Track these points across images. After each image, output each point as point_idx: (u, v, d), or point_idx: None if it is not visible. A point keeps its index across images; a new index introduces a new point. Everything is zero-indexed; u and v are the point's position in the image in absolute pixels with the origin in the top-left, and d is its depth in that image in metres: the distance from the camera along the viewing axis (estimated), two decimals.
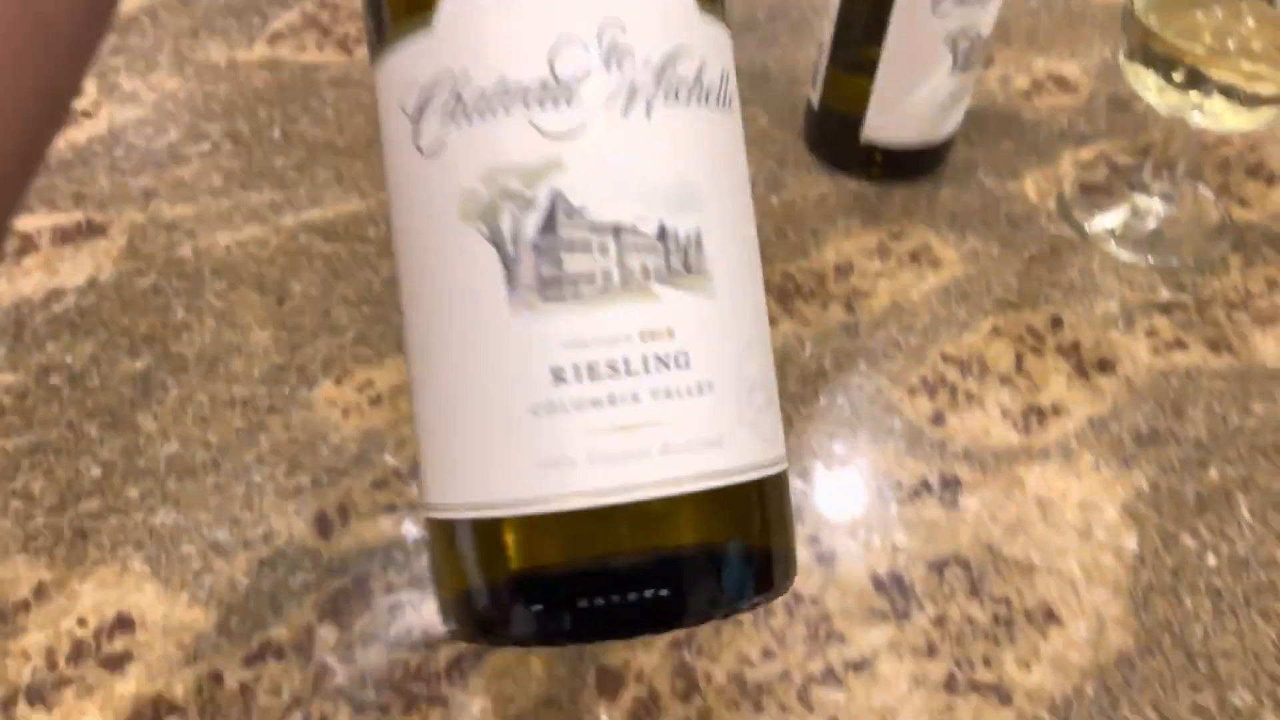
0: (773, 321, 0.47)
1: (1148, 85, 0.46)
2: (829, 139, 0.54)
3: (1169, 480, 0.42)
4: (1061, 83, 0.62)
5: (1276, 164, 0.57)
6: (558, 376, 0.20)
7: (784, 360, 0.45)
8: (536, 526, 0.20)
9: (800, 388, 0.44)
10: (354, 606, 0.36)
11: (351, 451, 0.40)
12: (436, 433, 0.21)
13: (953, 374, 0.45)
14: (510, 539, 0.21)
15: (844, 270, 0.49)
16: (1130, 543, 0.40)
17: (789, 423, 0.43)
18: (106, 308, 0.45)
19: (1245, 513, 0.41)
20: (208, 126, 0.54)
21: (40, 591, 0.35)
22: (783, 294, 0.48)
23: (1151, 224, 0.52)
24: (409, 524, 0.38)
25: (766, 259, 0.50)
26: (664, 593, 0.20)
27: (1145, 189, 0.53)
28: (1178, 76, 0.45)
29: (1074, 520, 0.40)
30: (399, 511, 0.39)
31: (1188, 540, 0.40)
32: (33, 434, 0.40)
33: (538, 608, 0.20)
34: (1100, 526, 0.40)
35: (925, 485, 0.41)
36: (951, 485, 0.41)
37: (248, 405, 0.42)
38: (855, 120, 0.52)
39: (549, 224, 0.20)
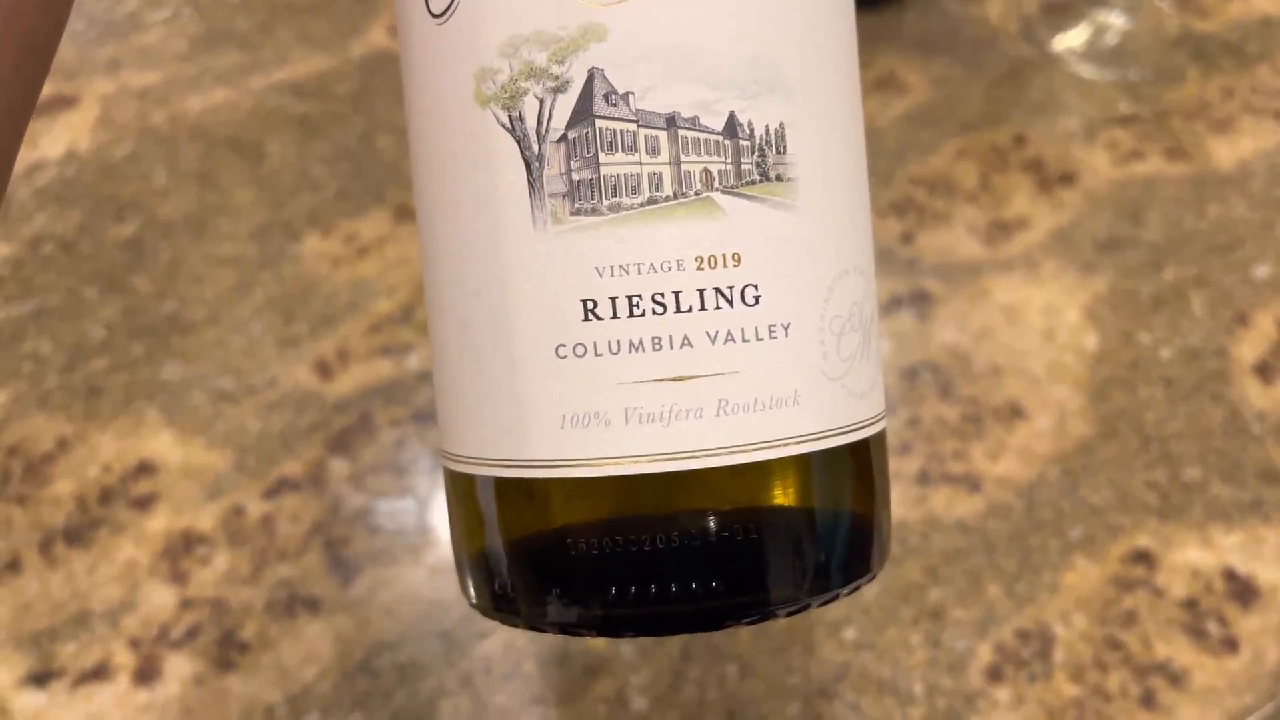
0: None
1: None
2: None
3: (1127, 283, 0.44)
4: None
5: None
6: (590, 311, 0.16)
7: None
8: (564, 492, 0.17)
9: None
10: (361, 441, 0.38)
11: (344, 300, 0.42)
12: (450, 369, 0.18)
13: (920, 195, 0.47)
14: (533, 503, 0.17)
15: None
16: (1090, 342, 0.42)
17: None
18: (88, 177, 0.45)
19: (1197, 309, 0.43)
20: None
21: (63, 444, 0.37)
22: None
23: (1112, 39, 0.53)
24: (406, 363, 0.40)
25: None
26: (715, 584, 0.16)
27: (1104, 3, 0.53)
28: None
29: (1037, 324, 0.42)
30: (395, 353, 0.40)
31: (1143, 337, 0.42)
32: (34, 300, 0.41)
33: (561, 590, 0.17)
34: (1062, 329, 0.42)
35: (896, 300, 0.43)
36: (921, 299, 0.43)
37: (239, 262, 0.43)
38: None
39: (583, 111, 0.16)
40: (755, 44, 0.16)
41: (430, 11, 0.16)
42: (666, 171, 0.16)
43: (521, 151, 0.16)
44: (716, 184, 0.16)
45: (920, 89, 0.51)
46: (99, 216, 0.44)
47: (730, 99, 0.16)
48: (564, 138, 0.16)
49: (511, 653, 0.34)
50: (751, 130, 0.16)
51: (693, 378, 0.16)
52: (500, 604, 0.17)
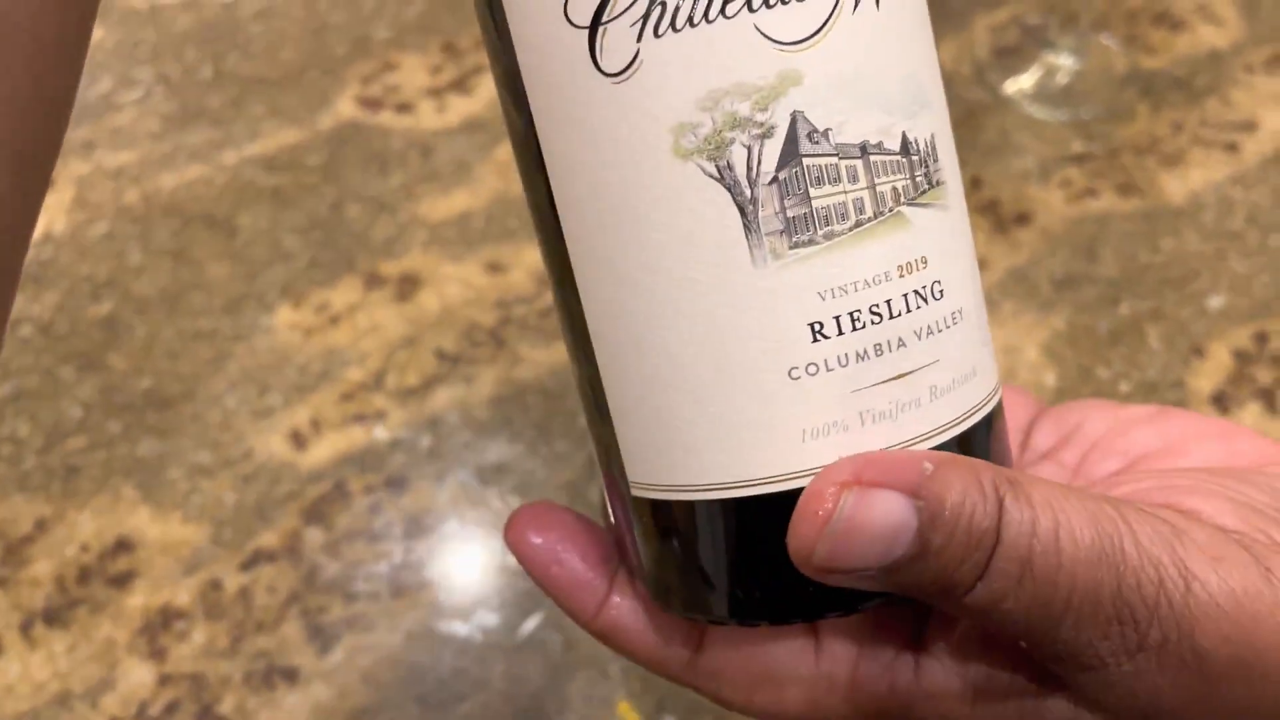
0: None
1: None
2: None
3: (1084, 319, 0.45)
4: None
5: (1179, 10, 0.59)
6: (817, 332, 0.17)
7: None
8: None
9: None
10: (335, 508, 0.38)
11: (316, 369, 0.43)
12: (660, 406, 0.18)
13: None
14: (781, 512, 0.18)
15: None
16: (1050, 379, 0.43)
17: None
18: (65, 258, 0.46)
19: (1154, 342, 0.44)
20: (138, 73, 0.55)
21: (41, 524, 0.38)
22: None
23: (1062, 80, 0.55)
24: (378, 430, 0.41)
25: None
26: None
27: (1054, 46, 0.55)
28: None
29: (998, 364, 0.43)
30: (367, 420, 0.41)
31: (1102, 371, 0.43)
32: (11, 383, 0.42)
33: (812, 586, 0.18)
34: (1022, 367, 0.43)
35: None
36: None
37: (213, 336, 0.44)
38: None
39: (791, 152, 0.17)
40: (910, 67, 0.18)
41: (602, 71, 0.17)
42: (866, 195, 0.17)
43: (734, 197, 0.17)
44: (903, 199, 0.18)
45: None
46: (75, 296, 0.45)
47: (901, 120, 0.18)
48: (775, 179, 0.17)
49: (489, 713, 0.35)
50: (918, 144, 0.18)
51: (910, 373, 0.18)
52: (747, 607, 0.19)
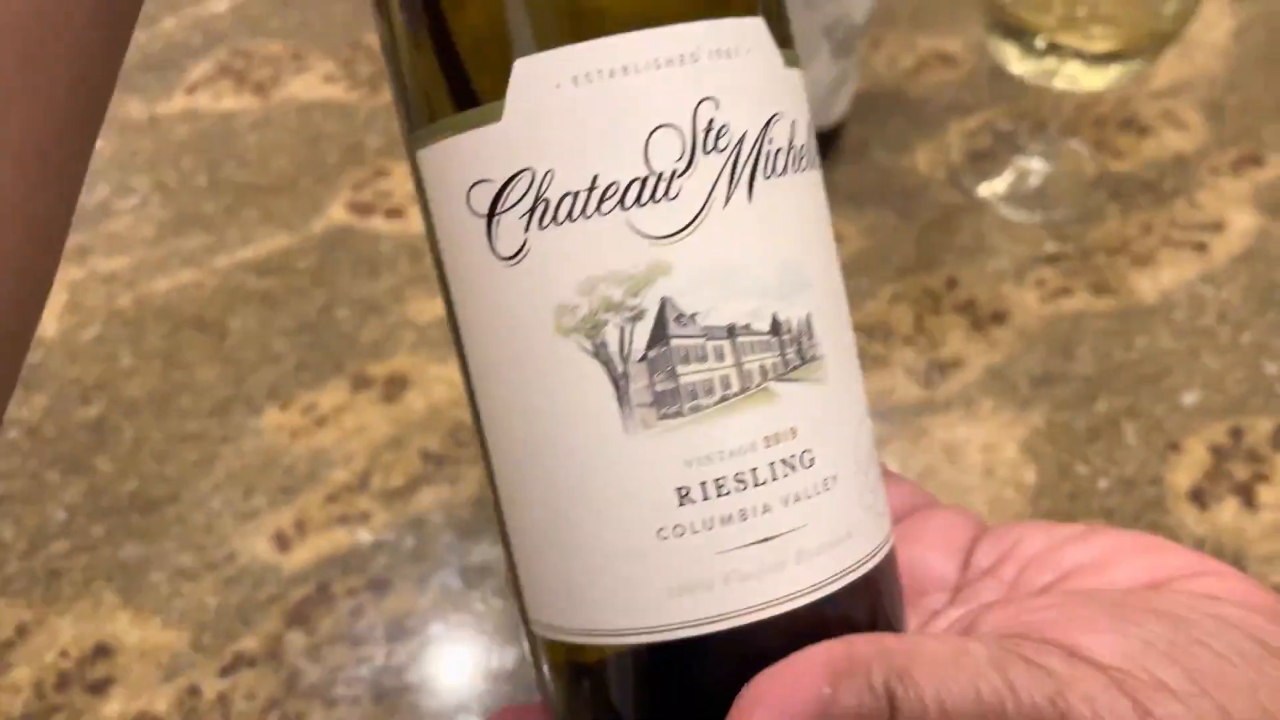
0: None
1: (1009, 56, 0.50)
2: None
3: (1062, 416, 0.45)
4: (945, 58, 0.66)
5: (1145, 117, 0.61)
6: (683, 497, 0.18)
7: None
8: (670, 651, 0.19)
9: None
10: (318, 612, 0.38)
11: (302, 470, 0.43)
12: (546, 555, 0.20)
13: (859, 340, 0.49)
14: (640, 665, 0.20)
15: None
16: (1029, 476, 0.43)
17: None
18: (55, 361, 0.47)
19: (1131, 438, 0.45)
20: (135, 180, 0.56)
21: (22, 630, 0.37)
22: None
23: (1034, 182, 0.56)
24: (362, 532, 0.41)
25: None
26: None
27: (1025, 151, 0.57)
28: (1034, 46, 0.49)
29: (978, 462, 0.44)
30: (351, 522, 0.41)
31: (1081, 468, 0.44)
32: None
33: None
34: (1002, 465, 0.44)
35: None
36: None
37: (200, 438, 0.44)
38: None
39: (660, 334, 0.18)
40: (786, 253, 0.19)
41: (497, 255, 0.19)
42: (733, 373, 0.19)
43: (608, 372, 0.18)
44: (770, 375, 0.19)
45: (855, 238, 0.54)
46: (64, 400, 0.45)
47: (772, 303, 0.19)
48: (645, 357, 0.18)
49: None
50: (790, 324, 0.19)
51: (775, 537, 0.19)
52: None
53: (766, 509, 0.19)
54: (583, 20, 0.18)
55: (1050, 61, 0.49)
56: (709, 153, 0.18)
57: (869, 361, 0.48)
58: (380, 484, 0.42)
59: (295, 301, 0.50)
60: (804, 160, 0.20)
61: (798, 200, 0.20)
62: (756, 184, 0.19)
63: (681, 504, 0.18)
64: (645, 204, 0.18)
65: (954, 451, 0.44)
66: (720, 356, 0.18)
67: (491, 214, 0.19)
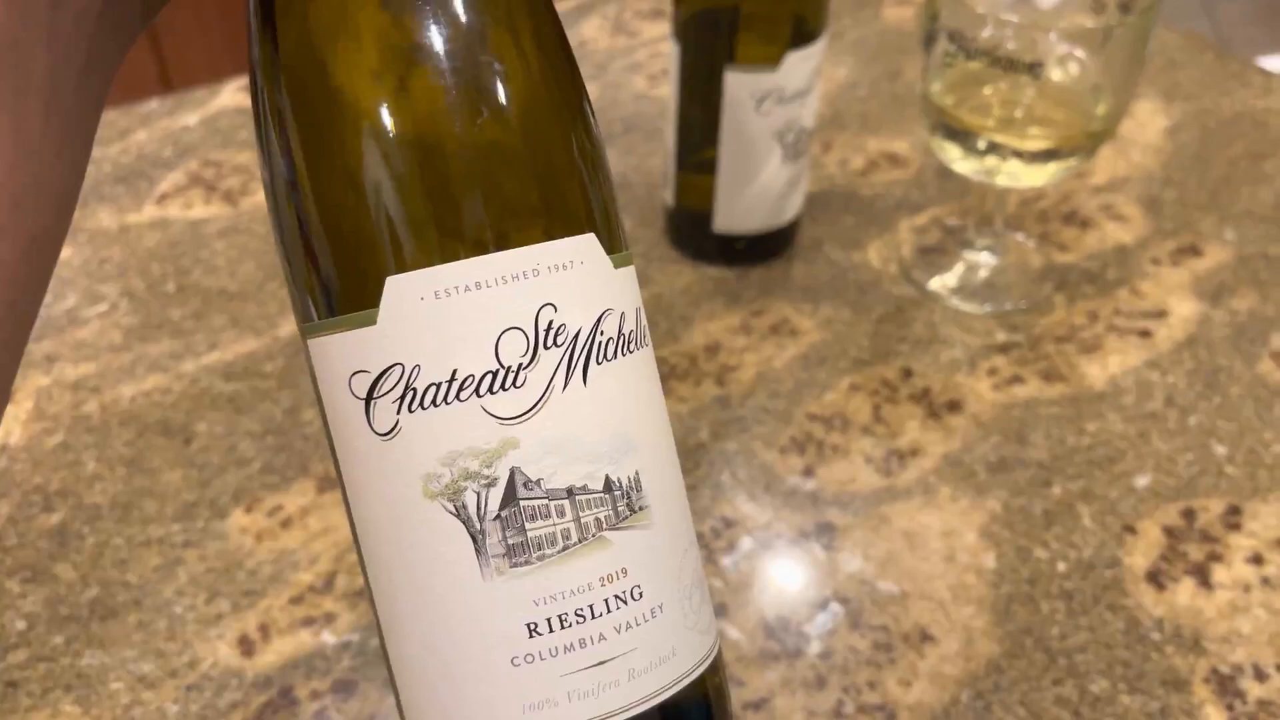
0: None
1: (952, 155, 0.53)
2: (686, 234, 0.60)
3: (1019, 501, 0.46)
4: (893, 159, 0.68)
5: (1086, 211, 0.64)
6: (533, 630, 0.22)
7: None
8: None
9: (683, 460, 0.48)
10: (282, 716, 0.38)
11: (267, 573, 0.43)
12: (418, 682, 0.23)
13: (819, 431, 0.50)
14: None
15: (712, 349, 0.54)
16: (989, 561, 0.44)
17: None
18: (18, 469, 0.47)
19: (1087, 521, 0.46)
20: (104, 288, 0.57)
21: None
22: (659, 378, 0.52)
23: (983, 275, 0.58)
24: (327, 634, 0.41)
25: None
26: None
27: (972, 245, 0.59)
28: (975, 146, 0.51)
29: (938, 548, 0.44)
30: (317, 623, 0.41)
31: (1040, 552, 0.44)
32: None
33: None
34: (962, 550, 0.44)
35: (803, 534, 0.45)
36: (826, 531, 0.45)
37: (163, 543, 0.44)
38: (706, 214, 0.57)
39: (510, 497, 0.22)
40: (616, 424, 0.23)
41: (375, 431, 0.22)
42: (572, 526, 0.22)
43: (467, 529, 0.22)
44: (605, 526, 0.23)
45: (812, 331, 0.55)
46: (27, 507, 0.45)
47: (604, 466, 0.23)
48: (498, 516, 0.22)
49: None
50: (620, 482, 0.23)
51: (610, 660, 0.23)
52: None
53: (602, 637, 0.22)
54: (443, 246, 0.22)
55: (991, 160, 0.51)
56: (549, 348, 0.22)
57: (830, 451, 0.49)
58: (345, 585, 0.42)
59: (262, 404, 0.50)
60: (633, 344, 0.24)
61: (626, 378, 0.23)
62: (590, 370, 0.23)
63: (531, 636, 0.22)
64: (496, 392, 0.22)
65: (915, 539, 0.45)
66: (562, 513, 0.22)
67: (369, 398, 0.22)
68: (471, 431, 0.22)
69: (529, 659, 0.22)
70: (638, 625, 0.23)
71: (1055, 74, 0.51)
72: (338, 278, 0.22)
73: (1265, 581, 0.43)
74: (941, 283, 0.58)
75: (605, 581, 0.23)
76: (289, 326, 0.54)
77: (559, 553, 0.22)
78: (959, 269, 0.59)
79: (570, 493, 0.22)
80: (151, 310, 0.55)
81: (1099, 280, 0.59)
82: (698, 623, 0.24)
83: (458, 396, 0.22)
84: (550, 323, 0.22)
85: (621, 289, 0.24)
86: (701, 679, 0.24)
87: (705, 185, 0.56)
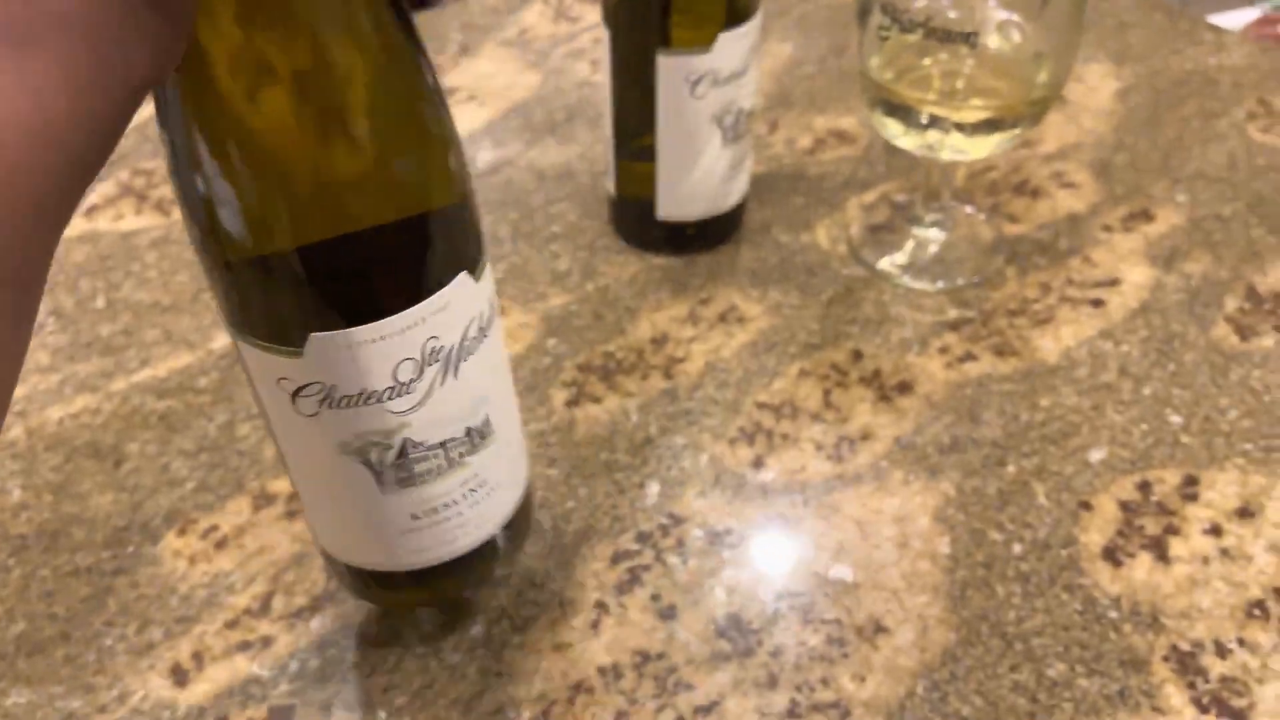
0: (599, 399, 0.50)
1: (894, 132, 0.51)
2: (630, 223, 0.58)
3: (973, 482, 0.45)
4: (841, 136, 0.67)
5: (1037, 180, 0.63)
6: (414, 517, 0.33)
7: (613, 433, 0.48)
8: (402, 573, 0.35)
9: (630, 456, 0.47)
10: None
11: (201, 598, 0.41)
12: (337, 536, 0.35)
13: (768, 420, 0.48)
14: (384, 579, 0.36)
15: (660, 341, 0.53)
16: (943, 546, 0.43)
17: (622, 490, 0.45)
18: None
19: (1042, 499, 0.45)
20: None
21: None
22: (606, 372, 0.51)
23: (932, 251, 0.57)
24: (263, 659, 0.39)
25: (588, 342, 0.53)
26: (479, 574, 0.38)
27: (920, 221, 0.58)
28: (917, 121, 0.50)
29: (891, 535, 0.43)
30: (253, 648, 0.40)
31: (994, 534, 0.43)
32: None
33: (392, 595, 0.38)
34: (915, 536, 0.43)
35: (753, 528, 0.44)
36: (777, 523, 0.44)
37: (93, 572, 0.42)
38: (649, 203, 0.56)
39: (402, 454, 0.31)
40: (475, 393, 0.32)
41: (300, 413, 0.30)
42: (444, 461, 0.32)
43: (371, 471, 0.31)
44: (464, 454, 0.33)
45: (760, 318, 0.54)
46: None
47: (467, 421, 0.32)
48: (394, 464, 0.31)
49: None
50: (476, 427, 0.32)
51: (465, 524, 0.35)
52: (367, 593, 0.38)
53: (460, 513, 0.34)
54: (354, 315, 0.28)
55: (933, 135, 0.50)
56: (431, 364, 0.30)
57: (779, 440, 0.47)
58: (282, 606, 0.41)
59: (196, 421, 0.49)
60: (487, 332, 0.31)
61: (483, 359, 0.31)
62: (460, 367, 0.30)
63: (414, 520, 0.33)
64: (394, 398, 0.30)
65: (867, 526, 0.44)
66: (437, 455, 0.32)
67: (295, 395, 0.29)
68: (375, 421, 0.30)
69: (414, 531, 0.33)
70: (482, 502, 0.34)
71: (995, 43, 0.50)
72: (265, 325, 0.28)
73: (1224, 553, 0.42)
74: (891, 261, 0.57)
75: (463, 485, 0.33)
76: (223, 339, 0.53)
77: (435, 476, 0.32)
78: (908, 246, 0.57)
79: (443, 444, 0.32)
80: (80, 328, 0.54)
81: (1051, 250, 0.58)
82: (516, 480, 0.36)
83: (365, 403, 0.29)
84: (433, 349, 0.29)
85: (481, 293, 0.30)
86: (516, 508, 0.36)
87: (646, 173, 0.55)
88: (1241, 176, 0.63)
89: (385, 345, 0.28)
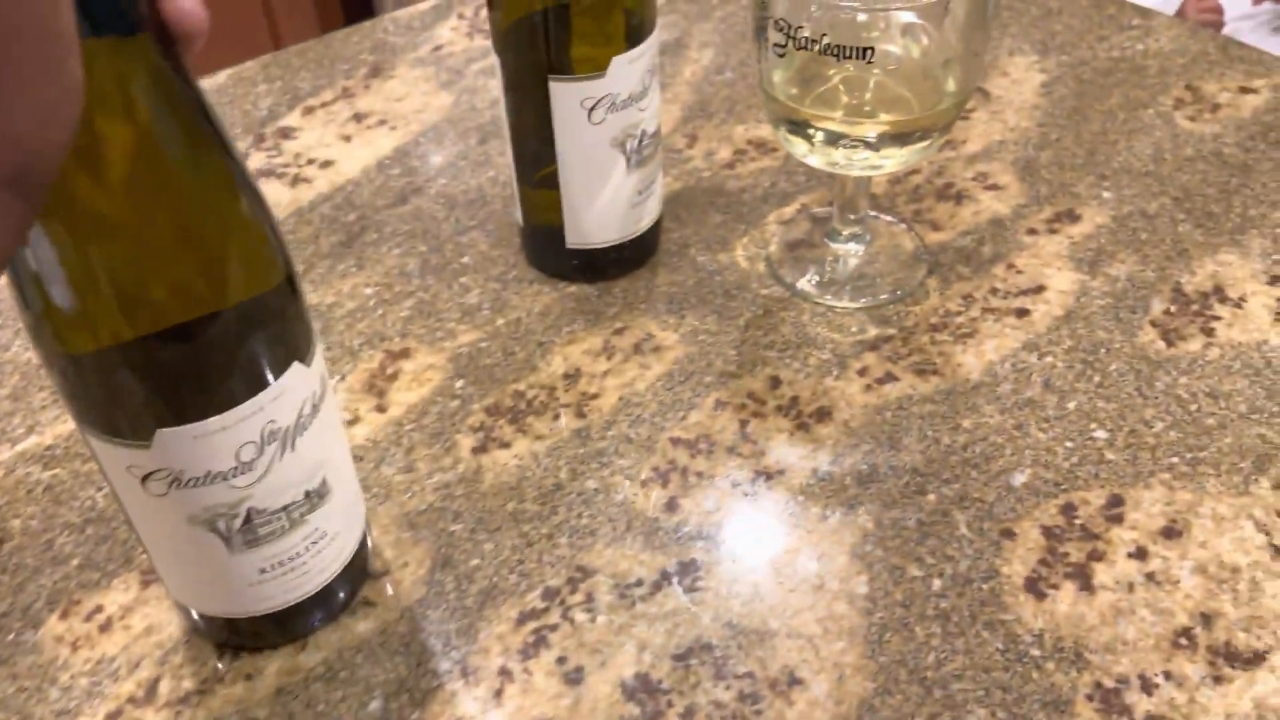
0: (508, 443, 0.48)
1: (800, 150, 0.50)
2: (541, 252, 0.56)
3: (891, 514, 0.44)
4: (761, 146, 0.65)
5: (960, 183, 0.61)
6: (262, 571, 0.36)
7: (521, 480, 0.46)
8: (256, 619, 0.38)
9: (539, 505, 0.45)
10: None
11: (82, 687, 0.39)
12: (188, 589, 0.37)
13: (683, 457, 0.47)
14: (234, 623, 0.38)
15: (572, 377, 0.51)
16: (861, 586, 0.41)
17: (530, 543, 0.43)
18: None
19: (964, 529, 0.43)
20: None
21: None
22: (515, 414, 0.49)
23: (852, 264, 0.55)
24: None
25: (498, 382, 0.51)
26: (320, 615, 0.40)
27: (838, 236, 0.56)
28: (824, 138, 0.48)
29: (807, 576, 0.42)
30: None
31: (914, 570, 0.42)
32: None
33: (239, 641, 0.40)
34: (832, 577, 0.42)
35: (665, 576, 0.42)
36: (689, 571, 0.42)
37: None
38: (558, 230, 0.54)
39: (248, 520, 0.34)
40: (312, 460, 0.34)
41: (150, 493, 0.32)
42: (286, 522, 0.35)
43: (221, 539, 0.34)
44: (305, 513, 0.35)
45: (676, 346, 0.52)
46: None
47: (305, 485, 0.35)
48: (240, 530, 0.34)
49: None
50: (314, 489, 0.35)
51: (308, 570, 0.37)
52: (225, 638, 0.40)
53: (304, 562, 0.36)
54: (197, 410, 0.30)
55: (839, 153, 0.48)
56: (271, 444, 0.32)
57: (693, 479, 0.46)
58: (169, 691, 0.39)
59: (83, 491, 0.46)
60: (322, 402, 0.34)
61: (319, 431, 0.34)
62: (296, 442, 0.33)
63: (261, 574, 0.36)
64: (237, 476, 0.32)
65: (782, 569, 0.42)
66: (279, 519, 0.34)
67: (144, 480, 0.32)
68: (221, 496, 0.32)
69: (260, 583, 0.36)
70: (325, 550, 0.37)
71: (900, 51, 0.48)
72: (110, 421, 0.30)
73: (1149, 578, 0.41)
74: (809, 280, 0.55)
75: (306, 539, 0.36)
76: None
77: (278, 536, 0.35)
78: (825, 263, 0.56)
79: (285, 508, 0.34)
80: None
81: (974, 259, 0.56)
82: (354, 523, 0.39)
83: (211, 482, 0.32)
84: (272, 430, 0.32)
85: (313, 375, 0.33)
86: (355, 552, 0.40)
87: (552, 201, 0.53)
88: (1168, 169, 0.61)
89: (227, 434, 0.31)
